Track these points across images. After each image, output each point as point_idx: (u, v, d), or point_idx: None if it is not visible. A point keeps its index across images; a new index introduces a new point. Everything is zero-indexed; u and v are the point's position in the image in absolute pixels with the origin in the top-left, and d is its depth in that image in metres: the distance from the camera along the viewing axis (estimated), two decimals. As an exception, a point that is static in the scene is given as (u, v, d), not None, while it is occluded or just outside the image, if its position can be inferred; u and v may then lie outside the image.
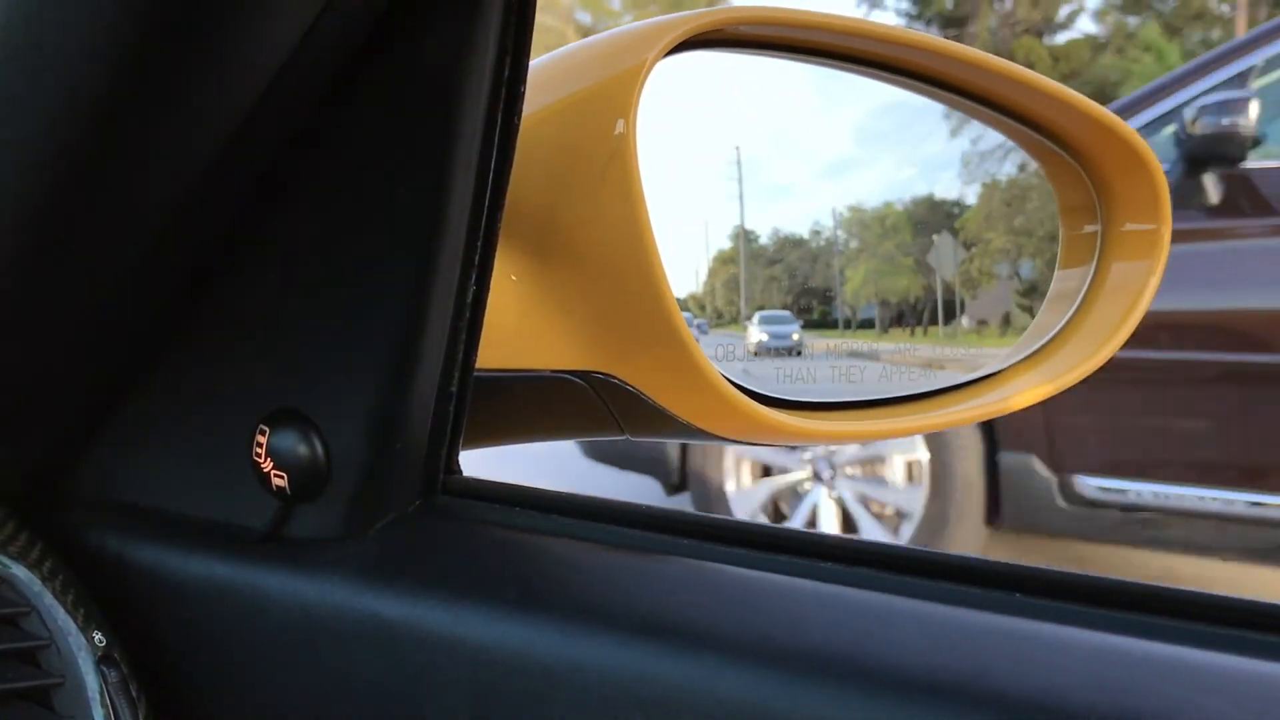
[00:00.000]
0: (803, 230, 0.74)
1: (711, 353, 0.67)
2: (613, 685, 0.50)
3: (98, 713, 0.55)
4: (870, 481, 4.04)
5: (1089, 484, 3.61)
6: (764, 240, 0.72)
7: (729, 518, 0.57)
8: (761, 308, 0.72)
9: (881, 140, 0.76)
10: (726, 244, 0.70)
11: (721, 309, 0.70)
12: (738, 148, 0.69)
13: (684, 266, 0.68)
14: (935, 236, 0.77)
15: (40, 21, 0.47)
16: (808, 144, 0.76)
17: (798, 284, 0.74)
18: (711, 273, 0.70)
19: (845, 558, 0.53)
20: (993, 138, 0.78)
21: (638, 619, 0.51)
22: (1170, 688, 0.43)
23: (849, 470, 4.08)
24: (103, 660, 0.56)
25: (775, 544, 0.54)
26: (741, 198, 0.69)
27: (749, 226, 0.71)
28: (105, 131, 0.50)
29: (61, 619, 0.56)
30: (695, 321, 0.69)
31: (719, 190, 0.70)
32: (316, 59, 0.52)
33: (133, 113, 0.49)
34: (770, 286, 0.72)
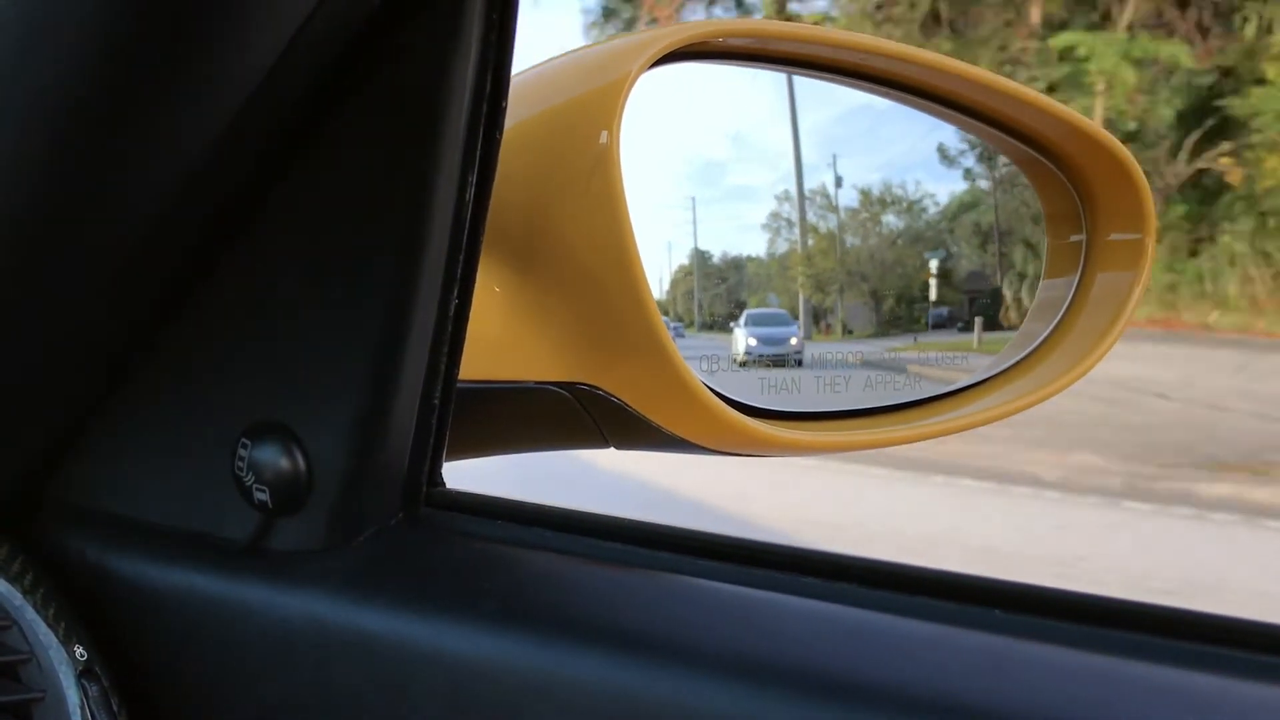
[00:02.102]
0: (747, 251, 0.73)
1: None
2: (592, 699, 0.50)
3: None
4: None
5: None
6: (715, 260, 0.71)
7: (710, 532, 0.57)
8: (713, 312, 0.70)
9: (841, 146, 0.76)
10: (685, 259, 0.70)
11: (682, 314, 0.70)
12: (693, 198, 0.68)
13: (652, 273, 0.68)
14: (769, 295, 0.76)
15: (15, 33, 0.47)
16: (779, 149, 0.76)
17: (733, 300, 0.73)
18: (674, 283, 0.70)
19: (827, 573, 0.53)
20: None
21: (619, 633, 0.51)
22: (1152, 707, 0.43)
23: None
24: (84, 674, 0.56)
25: (757, 559, 0.54)
26: (696, 234, 0.69)
27: (720, 230, 0.71)
28: (83, 144, 0.50)
29: (42, 633, 0.56)
30: (671, 325, 0.68)
31: (685, 198, 0.70)
32: (297, 73, 0.51)
33: (112, 125, 0.49)
34: (715, 301, 0.71)
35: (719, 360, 0.69)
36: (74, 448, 0.64)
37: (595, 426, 0.66)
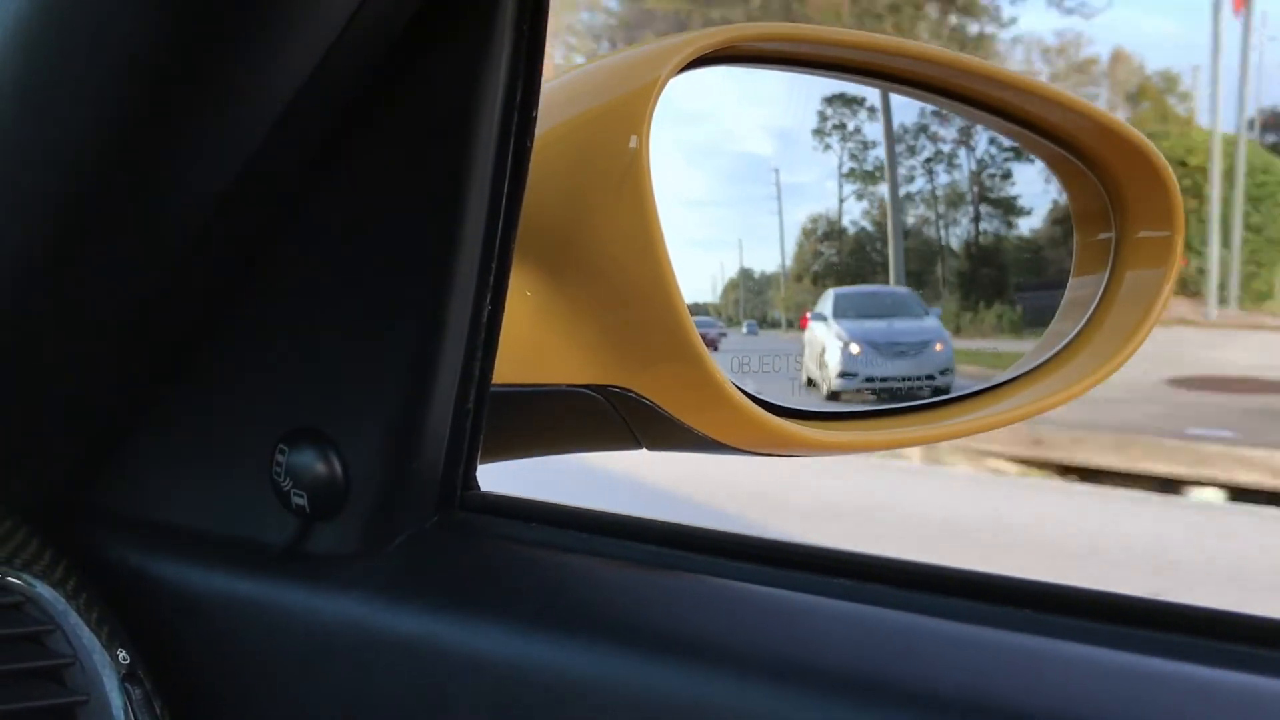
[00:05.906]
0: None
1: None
2: (630, 701, 0.50)
3: None
4: None
5: None
6: (756, 276, 0.72)
7: (746, 534, 0.57)
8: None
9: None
10: (733, 272, 0.71)
11: (731, 316, 0.71)
12: (740, 239, 0.68)
13: (704, 279, 0.69)
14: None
15: (50, 43, 0.48)
16: (810, 151, 0.76)
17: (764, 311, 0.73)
18: (724, 293, 0.71)
19: (860, 574, 0.53)
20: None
21: (656, 635, 0.52)
22: (1188, 707, 0.43)
23: None
24: (126, 678, 0.57)
25: (792, 560, 0.55)
26: (741, 252, 0.69)
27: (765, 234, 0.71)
28: (123, 156, 0.50)
29: (85, 637, 0.57)
30: (745, 322, 0.69)
31: (709, 201, 0.70)
32: (331, 86, 0.52)
33: (152, 137, 0.50)
34: (754, 312, 0.72)
35: (756, 361, 0.69)
36: (115, 455, 0.65)
37: (627, 428, 0.67)
